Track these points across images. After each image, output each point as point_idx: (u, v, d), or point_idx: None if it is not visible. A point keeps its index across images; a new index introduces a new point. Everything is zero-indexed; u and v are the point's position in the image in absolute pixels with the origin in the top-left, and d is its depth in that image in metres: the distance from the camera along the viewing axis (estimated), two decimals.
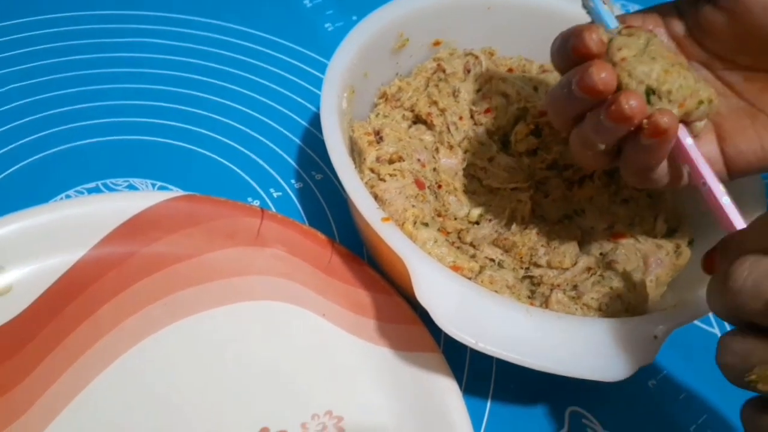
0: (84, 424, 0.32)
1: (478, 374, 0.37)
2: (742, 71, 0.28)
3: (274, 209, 0.42)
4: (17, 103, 0.45)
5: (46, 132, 0.44)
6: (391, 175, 0.35)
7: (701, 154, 0.27)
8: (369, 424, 0.33)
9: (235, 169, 0.44)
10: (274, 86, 0.49)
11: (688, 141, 0.27)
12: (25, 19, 0.50)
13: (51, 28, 0.50)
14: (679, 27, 0.30)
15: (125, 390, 0.33)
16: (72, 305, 0.35)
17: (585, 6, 0.30)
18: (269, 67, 0.50)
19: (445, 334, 0.37)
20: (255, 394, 0.34)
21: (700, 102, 0.27)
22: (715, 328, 0.40)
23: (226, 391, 0.33)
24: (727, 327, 0.40)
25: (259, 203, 0.42)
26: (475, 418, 0.34)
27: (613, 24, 0.28)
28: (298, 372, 0.35)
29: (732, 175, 0.29)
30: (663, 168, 0.29)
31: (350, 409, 0.33)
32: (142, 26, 0.51)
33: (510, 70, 0.43)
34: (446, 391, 0.33)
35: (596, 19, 0.29)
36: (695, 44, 0.29)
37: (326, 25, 0.54)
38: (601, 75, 0.26)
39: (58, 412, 0.32)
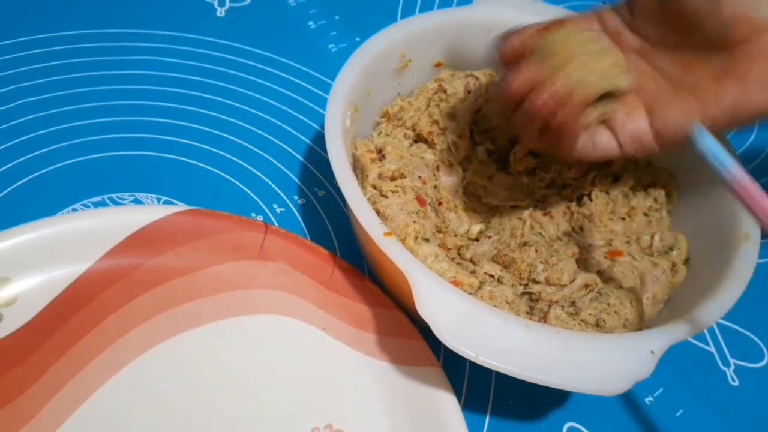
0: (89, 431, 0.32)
1: (477, 389, 0.37)
2: (670, 52, 0.32)
3: (277, 224, 0.43)
4: (26, 117, 0.46)
5: (54, 147, 0.45)
6: (393, 192, 0.35)
7: (639, 130, 0.32)
8: None
9: (239, 185, 0.45)
10: (278, 104, 0.50)
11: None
12: (33, 37, 0.51)
13: (59, 46, 0.51)
14: (613, 21, 0.33)
15: (129, 399, 0.33)
16: (77, 316, 0.36)
17: (698, 149, 0.30)
18: (273, 86, 0.52)
19: (445, 349, 0.38)
20: (256, 406, 0.34)
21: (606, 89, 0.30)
22: (711, 346, 0.41)
23: (227, 403, 0.34)
24: (726, 352, 0.40)
25: (262, 218, 0.43)
26: None
27: (730, 162, 0.28)
28: (299, 385, 0.35)
29: (661, 145, 0.32)
30: (586, 142, 0.32)
31: (350, 423, 0.34)
32: (149, 44, 0.53)
33: None
34: (445, 405, 0.33)
35: (713, 161, 0.29)
36: (630, 33, 0.33)
37: (330, 46, 0.55)
38: (513, 86, 0.32)
39: (63, 420, 0.32)
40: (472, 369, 0.38)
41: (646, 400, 0.38)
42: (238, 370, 0.35)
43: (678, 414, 0.38)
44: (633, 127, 0.32)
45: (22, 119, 0.46)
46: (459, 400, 0.34)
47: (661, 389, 0.38)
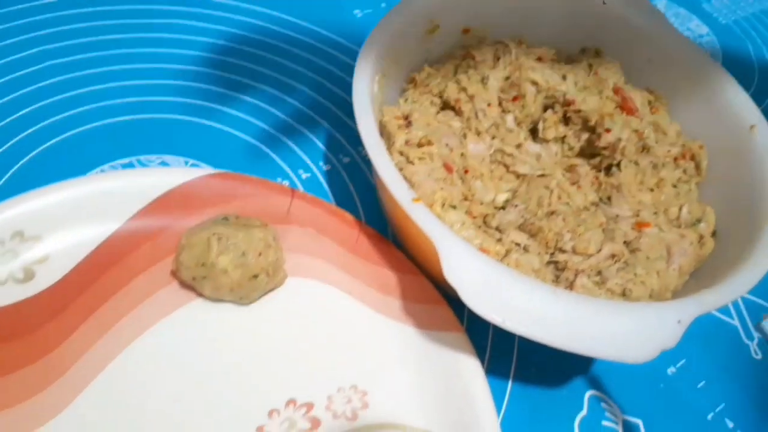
0: (119, 388, 0.33)
1: (500, 355, 0.37)
2: None
3: (303, 190, 0.43)
4: (55, 79, 0.46)
5: (83, 108, 0.45)
6: (420, 159, 0.35)
7: None
8: (392, 399, 0.34)
9: (266, 149, 0.45)
10: (303, 70, 0.50)
11: None
12: None
13: (86, 8, 0.51)
14: None
15: (157, 357, 0.34)
16: (106, 275, 0.36)
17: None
18: (298, 52, 0.51)
19: (469, 315, 0.38)
20: (283, 366, 0.35)
21: None
22: (735, 319, 0.41)
23: (255, 363, 0.34)
24: (750, 326, 0.40)
25: (288, 183, 0.43)
26: (497, 398, 0.35)
27: None
28: (325, 347, 0.35)
29: None
30: None
31: (374, 384, 0.34)
32: (178, 7, 0.52)
33: (539, 59, 0.43)
34: (469, 369, 0.33)
35: None
36: None
37: (355, 12, 0.54)
38: None
39: (95, 375, 0.33)
40: (495, 335, 0.38)
41: (668, 371, 0.38)
42: (265, 330, 0.36)
43: (700, 385, 0.38)
44: None
45: (50, 81, 0.46)
46: (482, 365, 0.34)
47: (683, 360, 0.38)
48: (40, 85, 0.46)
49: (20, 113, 0.44)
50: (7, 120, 0.43)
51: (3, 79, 0.46)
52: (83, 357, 0.34)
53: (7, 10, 0.50)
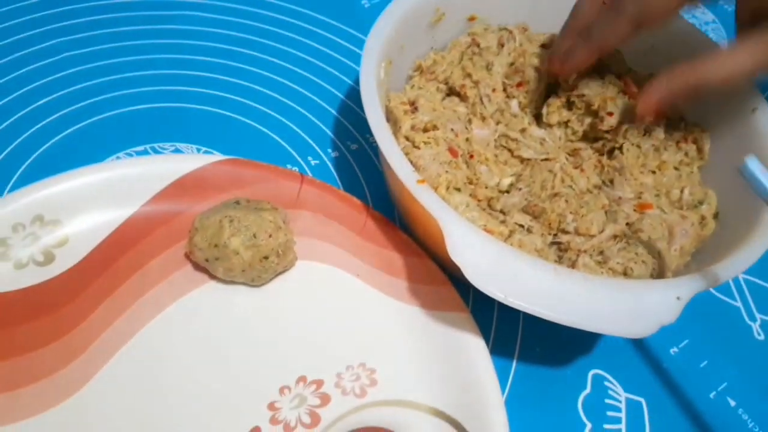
0: (136, 366, 0.34)
1: (505, 335, 0.38)
2: None
3: (311, 176, 0.44)
4: (72, 70, 0.47)
5: (99, 98, 0.46)
6: (425, 143, 0.36)
7: None
8: (399, 377, 0.35)
9: (275, 137, 0.46)
10: (312, 59, 0.51)
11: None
12: None
13: (103, 1, 0.52)
14: None
15: (173, 336, 0.35)
16: (123, 258, 0.37)
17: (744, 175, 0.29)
18: (308, 41, 0.52)
19: (474, 296, 0.39)
20: (294, 346, 0.35)
21: None
22: (738, 301, 0.41)
23: (267, 342, 0.35)
24: (753, 307, 0.41)
25: (297, 170, 0.44)
26: (501, 377, 0.36)
27: None
28: (334, 327, 0.36)
29: None
30: None
31: (382, 363, 0.35)
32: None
33: (543, 45, 0.43)
34: (474, 349, 0.34)
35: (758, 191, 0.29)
36: None
37: (363, 2, 0.55)
38: None
39: (113, 353, 0.34)
40: (500, 316, 0.39)
41: (671, 350, 0.39)
42: (277, 311, 0.37)
43: (702, 365, 0.38)
44: None
45: (67, 71, 0.47)
46: (487, 345, 0.35)
47: (686, 341, 0.39)
48: (57, 76, 0.47)
49: (39, 103, 0.45)
50: (28, 109, 0.45)
51: (24, 70, 0.47)
52: (102, 336, 0.35)
53: (26, 2, 0.51)
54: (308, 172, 0.44)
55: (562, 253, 0.34)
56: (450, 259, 0.30)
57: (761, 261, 0.31)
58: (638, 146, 0.37)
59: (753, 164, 0.28)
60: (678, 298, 0.29)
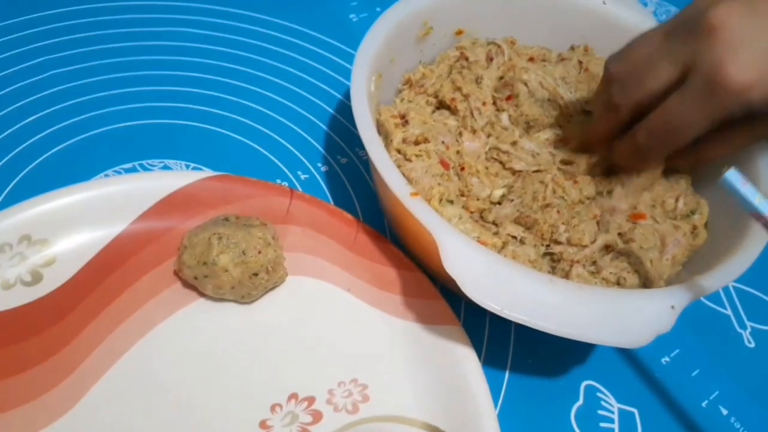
0: (125, 386, 0.33)
1: (497, 347, 0.38)
2: None
3: (301, 191, 0.44)
4: (58, 88, 0.47)
5: (86, 115, 0.46)
6: (417, 156, 0.36)
7: None
8: (392, 392, 0.34)
9: (265, 152, 0.46)
10: (301, 74, 0.51)
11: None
12: (62, 9, 0.52)
13: (90, 18, 0.52)
14: None
15: (162, 355, 0.34)
16: (112, 276, 0.37)
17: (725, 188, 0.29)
18: (297, 56, 0.52)
19: (466, 309, 0.39)
20: (285, 362, 0.35)
21: None
22: (728, 309, 0.41)
23: (258, 359, 0.35)
24: (743, 315, 0.41)
25: (287, 185, 0.44)
26: (494, 389, 0.35)
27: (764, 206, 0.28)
28: (325, 342, 0.36)
29: None
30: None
31: (374, 378, 0.35)
32: (174, 16, 0.53)
33: (531, 59, 0.44)
34: (466, 361, 0.34)
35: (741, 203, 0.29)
36: None
37: (351, 16, 0.55)
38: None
39: (102, 373, 0.33)
40: (491, 328, 0.38)
41: (663, 360, 0.38)
42: (267, 327, 0.36)
43: (694, 374, 0.38)
44: None
45: (55, 89, 0.47)
46: (479, 357, 0.34)
47: (677, 350, 0.39)
48: (44, 94, 0.46)
49: (26, 121, 0.44)
50: (14, 128, 0.44)
51: (9, 89, 0.46)
52: (90, 356, 0.34)
53: (11, 21, 0.51)
54: (298, 186, 0.44)
55: (555, 263, 0.34)
56: (442, 271, 0.30)
57: (751, 269, 0.31)
58: None
59: (732, 177, 0.28)
60: (672, 307, 0.29)
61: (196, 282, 0.36)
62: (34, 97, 0.46)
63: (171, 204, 0.39)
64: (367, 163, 0.38)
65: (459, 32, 0.45)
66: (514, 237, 0.34)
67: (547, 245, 0.34)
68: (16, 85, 0.47)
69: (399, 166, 0.35)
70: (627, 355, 0.38)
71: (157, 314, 0.36)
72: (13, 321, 0.35)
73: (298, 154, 0.46)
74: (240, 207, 0.39)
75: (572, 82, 0.42)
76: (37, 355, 0.34)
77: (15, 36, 0.50)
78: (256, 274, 0.35)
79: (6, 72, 0.47)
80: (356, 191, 0.44)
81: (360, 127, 0.34)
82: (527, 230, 0.35)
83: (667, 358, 0.39)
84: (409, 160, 0.35)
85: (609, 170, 0.38)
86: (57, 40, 0.50)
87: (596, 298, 0.29)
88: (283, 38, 0.53)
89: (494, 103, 0.40)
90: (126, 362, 0.34)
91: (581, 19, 0.45)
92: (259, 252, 0.35)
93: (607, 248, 0.34)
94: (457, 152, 0.38)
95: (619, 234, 0.35)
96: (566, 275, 0.33)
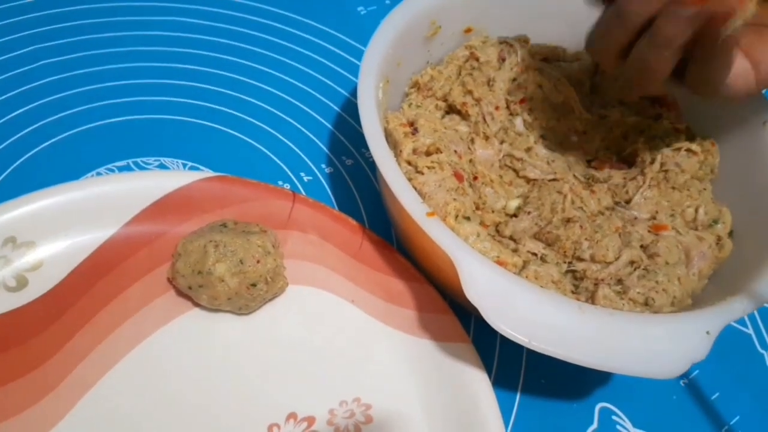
0: (114, 401, 0.31)
1: (508, 366, 0.35)
2: None
3: (304, 193, 0.41)
4: (49, 79, 0.44)
5: (78, 109, 0.43)
6: (429, 168, 0.33)
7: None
8: (397, 413, 0.32)
9: (266, 151, 0.43)
10: (305, 69, 0.48)
11: None
12: None
13: (83, 5, 0.49)
14: None
15: (154, 369, 0.32)
16: (101, 282, 0.34)
17: None
18: (301, 50, 0.49)
19: (476, 325, 0.36)
20: (283, 378, 0.32)
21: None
22: (750, 328, 0.39)
23: (255, 375, 0.32)
24: (765, 335, 0.39)
25: (289, 186, 0.41)
26: (505, 410, 0.33)
27: None
28: (327, 358, 0.33)
29: (759, 85, 0.30)
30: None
31: (379, 397, 0.32)
32: (175, 5, 0.50)
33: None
34: (476, 381, 0.31)
35: None
36: None
37: (359, 9, 0.52)
38: None
39: (88, 388, 0.31)
40: (503, 346, 0.36)
41: (681, 382, 0.36)
42: (266, 341, 0.33)
43: (714, 397, 0.36)
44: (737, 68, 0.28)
45: (44, 80, 0.44)
46: (489, 376, 0.32)
47: (696, 371, 0.37)
48: (33, 85, 0.43)
49: (12, 114, 0.41)
50: None
51: None
52: (77, 368, 0.32)
53: None
54: (301, 189, 0.42)
55: (578, 282, 0.32)
56: (453, 286, 0.28)
57: None
58: (652, 160, 0.35)
59: None
60: (708, 333, 0.27)
61: (191, 292, 0.33)
62: (23, 88, 0.43)
63: (166, 206, 0.36)
64: (373, 165, 0.36)
65: (468, 30, 0.42)
66: (535, 254, 0.32)
67: (569, 262, 0.32)
68: (2, 76, 0.44)
69: (410, 179, 0.32)
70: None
71: (148, 324, 0.33)
72: None
73: (302, 155, 0.43)
74: (239, 211, 0.37)
75: (587, 85, 0.40)
76: (20, 367, 0.31)
77: (1, 23, 0.47)
78: (254, 285, 0.33)
79: None
80: (362, 195, 0.42)
81: (370, 143, 0.31)
82: (548, 246, 0.32)
83: (685, 380, 0.36)
84: (421, 173, 0.32)
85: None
86: (48, 28, 0.47)
87: (627, 326, 0.27)
88: (287, 30, 0.50)
89: (507, 107, 0.38)
90: (113, 376, 0.32)
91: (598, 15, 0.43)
92: (258, 261, 0.33)
93: (632, 264, 0.32)
94: (470, 161, 0.35)
95: (642, 247, 0.33)
96: (591, 295, 0.31)
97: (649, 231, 0.34)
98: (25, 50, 0.45)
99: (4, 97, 0.42)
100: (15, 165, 0.39)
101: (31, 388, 0.31)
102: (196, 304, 0.34)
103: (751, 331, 0.39)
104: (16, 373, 0.31)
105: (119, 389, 0.31)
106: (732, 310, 0.28)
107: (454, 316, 0.34)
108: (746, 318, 0.39)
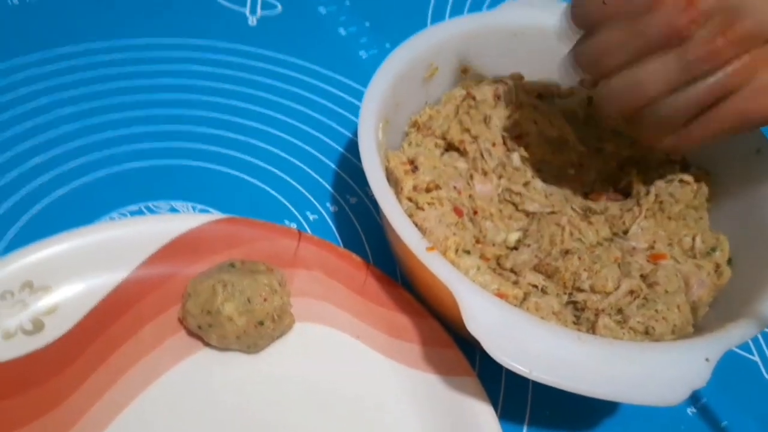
0: None
1: (514, 399, 0.35)
2: None
3: (310, 232, 0.42)
4: (65, 129, 0.45)
5: (91, 157, 0.44)
6: (429, 204, 0.34)
7: None
8: None
9: (273, 192, 0.44)
10: (309, 112, 0.49)
11: None
12: (69, 49, 0.50)
13: (95, 57, 0.50)
14: None
15: (165, 409, 0.32)
16: (115, 324, 0.35)
17: None
18: (305, 94, 0.51)
19: (481, 358, 0.37)
20: (291, 415, 0.33)
21: None
22: (756, 355, 0.39)
23: (264, 414, 0.33)
24: (767, 352, 0.39)
25: (295, 226, 0.42)
26: None
27: None
28: (333, 393, 0.33)
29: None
30: None
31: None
32: (182, 54, 0.52)
33: (539, 95, 0.42)
34: (482, 414, 0.31)
35: None
36: None
37: (360, 53, 0.54)
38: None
39: (104, 426, 0.31)
40: (508, 378, 0.36)
41: (689, 411, 0.36)
42: (274, 379, 0.34)
43: (722, 425, 0.36)
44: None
45: (61, 130, 0.45)
46: (495, 409, 0.32)
47: (704, 400, 0.36)
48: (51, 134, 0.45)
49: (31, 163, 0.43)
50: (18, 171, 0.42)
51: (13, 131, 0.45)
52: (92, 409, 0.32)
53: (17, 61, 0.50)
54: (307, 227, 0.43)
55: (579, 312, 0.32)
56: (457, 320, 0.28)
57: None
58: (647, 192, 0.36)
59: None
60: (707, 360, 0.27)
61: (200, 331, 0.34)
62: (40, 138, 0.44)
63: (176, 248, 0.37)
64: (376, 202, 0.36)
65: (464, 70, 0.43)
66: (536, 286, 0.32)
67: (570, 293, 0.32)
68: (20, 127, 0.45)
69: (411, 215, 0.33)
70: (652, 407, 0.36)
71: (160, 365, 0.34)
72: (13, 372, 0.33)
73: (307, 194, 0.44)
74: (246, 251, 0.37)
75: (582, 118, 0.41)
76: (36, 409, 0.32)
77: (20, 76, 0.48)
78: (261, 323, 0.33)
79: (10, 114, 0.46)
80: (366, 231, 0.43)
81: (371, 182, 0.32)
82: (548, 278, 0.33)
83: (693, 409, 0.36)
84: (422, 209, 0.33)
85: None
86: (62, 80, 0.48)
87: (627, 354, 0.27)
88: (291, 75, 0.52)
89: (504, 143, 0.39)
90: (128, 416, 0.32)
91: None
92: (265, 300, 0.33)
93: (632, 293, 0.32)
94: (470, 196, 0.36)
95: (642, 276, 0.33)
96: (592, 326, 0.31)
97: (647, 260, 0.34)
98: (40, 102, 0.47)
99: (22, 147, 0.44)
100: (33, 211, 0.40)
101: (49, 429, 0.31)
102: (207, 344, 0.35)
103: (757, 358, 0.39)
104: (33, 415, 0.31)
105: (133, 429, 0.32)
106: (731, 337, 0.28)
107: (458, 349, 0.34)
108: (752, 345, 0.39)
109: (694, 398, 0.36)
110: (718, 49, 0.26)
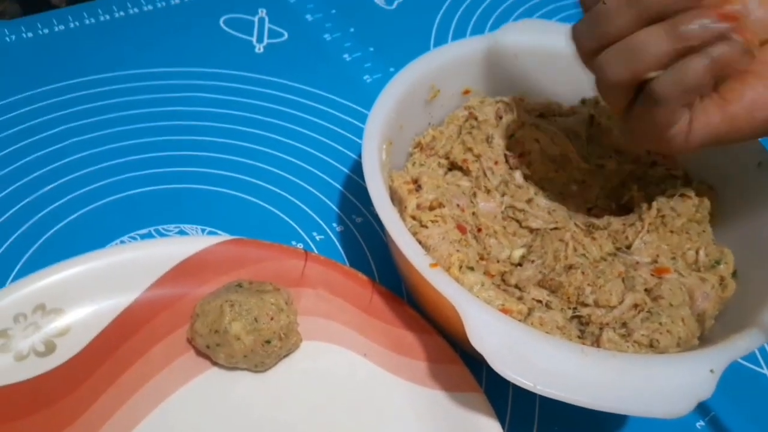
0: None
1: (521, 415, 0.35)
2: None
3: (316, 252, 0.42)
4: (76, 156, 0.46)
5: (102, 183, 0.45)
6: (432, 222, 0.34)
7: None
8: None
9: (280, 214, 0.45)
10: (315, 135, 0.50)
11: None
12: (80, 79, 0.52)
13: (106, 87, 0.52)
14: None
15: (177, 426, 0.32)
16: (125, 345, 0.35)
17: None
18: (311, 118, 0.52)
19: (487, 374, 0.37)
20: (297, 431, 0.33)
21: None
22: (764, 368, 0.39)
23: (268, 429, 0.33)
24: None
25: (302, 246, 0.43)
26: None
27: None
28: (340, 411, 0.33)
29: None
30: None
31: None
32: (191, 82, 0.53)
33: (540, 114, 0.43)
34: (489, 431, 0.31)
35: None
36: None
37: (365, 77, 0.55)
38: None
39: None
40: (515, 394, 0.36)
41: (697, 424, 0.36)
42: (282, 398, 0.34)
43: None
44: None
45: (72, 157, 0.46)
46: (502, 426, 0.32)
47: (712, 413, 0.36)
48: (62, 162, 0.46)
49: (43, 190, 0.44)
50: (31, 197, 0.43)
51: (25, 160, 0.46)
52: (103, 428, 0.32)
53: (27, 94, 0.51)
54: (314, 248, 0.43)
55: (584, 327, 0.32)
56: (463, 336, 0.28)
57: None
58: (649, 205, 0.36)
59: None
60: (711, 371, 0.27)
61: (209, 351, 0.34)
62: (51, 166, 0.45)
63: (184, 270, 0.38)
64: (382, 221, 0.37)
65: (466, 92, 0.44)
66: (540, 301, 0.32)
67: (574, 308, 0.32)
68: (33, 156, 0.46)
69: (415, 233, 0.33)
70: (660, 420, 0.35)
71: (169, 385, 0.34)
72: (25, 393, 0.33)
73: (314, 215, 0.45)
74: (254, 271, 0.38)
75: (584, 136, 0.41)
76: (49, 429, 0.32)
77: (32, 107, 0.50)
78: (268, 342, 0.34)
79: (23, 143, 0.47)
80: (371, 250, 0.43)
81: (375, 200, 0.32)
82: (552, 293, 0.33)
83: (701, 423, 0.36)
84: (425, 227, 0.34)
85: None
86: (73, 110, 0.50)
87: (631, 367, 0.27)
88: (297, 100, 0.53)
89: (507, 162, 0.39)
90: None
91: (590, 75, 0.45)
92: (272, 319, 0.34)
93: (636, 307, 0.32)
94: (473, 214, 0.36)
95: (646, 290, 0.33)
96: (596, 340, 0.31)
97: (651, 274, 0.34)
98: (52, 131, 0.48)
99: (34, 175, 0.45)
100: (45, 236, 0.41)
101: None
102: (215, 363, 0.35)
103: (766, 371, 0.38)
104: None
105: None
106: (736, 348, 0.28)
107: (464, 366, 0.34)
108: (761, 359, 0.39)
109: (703, 411, 0.36)
110: (707, 15, 0.26)
